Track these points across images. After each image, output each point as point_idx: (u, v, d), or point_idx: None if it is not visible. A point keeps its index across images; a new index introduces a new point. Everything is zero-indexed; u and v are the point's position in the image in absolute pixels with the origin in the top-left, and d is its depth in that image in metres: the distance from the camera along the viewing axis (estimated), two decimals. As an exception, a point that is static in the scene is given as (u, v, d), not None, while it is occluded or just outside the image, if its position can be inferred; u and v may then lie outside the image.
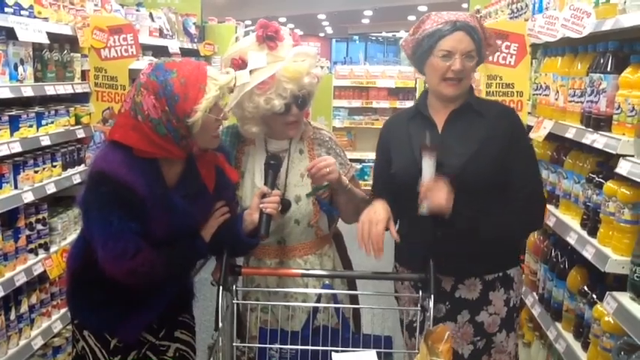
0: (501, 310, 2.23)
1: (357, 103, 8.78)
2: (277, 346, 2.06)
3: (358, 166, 8.08)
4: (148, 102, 1.90)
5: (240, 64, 2.17)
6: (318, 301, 2.21)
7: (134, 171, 1.93)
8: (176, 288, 2.16)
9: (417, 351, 1.90)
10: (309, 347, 2.03)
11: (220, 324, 1.95)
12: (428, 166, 2.03)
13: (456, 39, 2.09)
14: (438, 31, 2.10)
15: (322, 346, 2.01)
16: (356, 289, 2.38)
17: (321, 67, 2.31)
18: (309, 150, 2.32)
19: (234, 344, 2.08)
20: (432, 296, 1.99)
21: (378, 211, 2.05)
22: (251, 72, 2.15)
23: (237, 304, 2.15)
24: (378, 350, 1.93)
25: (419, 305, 2.06)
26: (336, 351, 1.93)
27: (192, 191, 2.05)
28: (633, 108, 2.08)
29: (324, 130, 2.41)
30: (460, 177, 2.07)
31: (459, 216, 2.05)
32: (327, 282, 2.27)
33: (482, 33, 2.15)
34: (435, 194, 2.00)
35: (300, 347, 2.04)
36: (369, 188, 2.39)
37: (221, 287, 2.01)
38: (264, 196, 2.08)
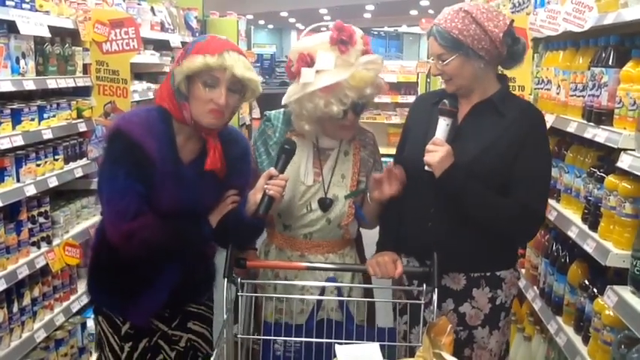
0: (485, 306, 2.23)
1: (357, 98, 8.77)
2: (282, 338, 2.07)
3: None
4: (178, 55, 2.06)
5: (307, 61, 2.16)
6: (322, 294, 2.22)
7: (150, 133, 1.99)
8: (181, 271, 2.14)
9: (420, 344, 1.91)
10: (314, 340, 2.04)
11: (225, 316, 1.96)
12: (440, 127, 2.11)
13: (430, 45, 2.18)
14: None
15: (326, 338, 2.03)
16: (371, 283, 2.40)
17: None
18: (355, 153, 2.34)
19: (239, 336, 2.09)
20: (436, 290, 2.01)
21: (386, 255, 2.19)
22: (317, 72, 2.13)
23: (246, 296, 2.17)
24: (381, 343, 1.94)
25: (422, 299, 2.07)
26: (340, 343, 1.94)
27: (204, 171, 2.07)
28: (635, 102, 2.08)
29: (369, 132, 2.43)
30: (468, 172, 2.09)
31: (458, 192, 2.11)
32: (331, 275, 2.28)
33: (474, 28, 2.07)
34: (432, 153, 2.07)
35: (304, 339, 2.05)
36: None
37: (225, 279, 2.04)
38: (271, 178, 2.08)
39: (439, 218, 2.18)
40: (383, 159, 2.46)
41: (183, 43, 5.47)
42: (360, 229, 2.46)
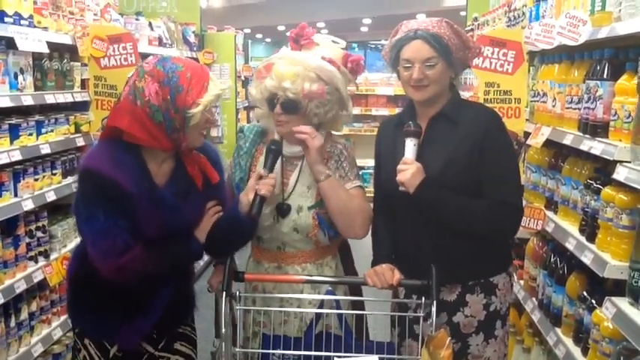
0: (479, 313, 2.24)
1: (355, 111, 8.78)
2: (280, 351, 2.06)
3: (357, 173, 8.09)
4: (151, 88, 1.95)
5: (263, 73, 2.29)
6: (321, 307, 2.21)
7: (119, 166, 1.97)
8: (172, 292, 2.15)
9: (419, 357, 1.91)
10: (312, 353, 2.03)
11: (223, 330, 1.95)
12: (408, 148, 2.15)
13: (414, 48, 2.13)
14: (399, 40, 2.17)
15: (325, 351, 2.02)
16: (361, 296, 2.39)
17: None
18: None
19: (236, 350, 2.09)
20: (435, 302, 2.01)
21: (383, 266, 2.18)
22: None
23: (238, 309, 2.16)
24: (380, 356, 1.94)
25: (421, 312, 2.07)
26: (339, 357, 1.93)
27: (182, 189, 2.08)
28: (629, 114, 2.10)
29: (341, 141, 2.38)
30: (438, 185, 2.12)
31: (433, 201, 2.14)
32: (330, 288, 2.27)
33: (455, 38, 2.14)
34: (403, 172, 2.11)
35: (302, 353, 2.04)
36: (371, 195, 2.40)
37: (224, 293, 2.02)
38: (261, 178, 2.12)
39: (428, 236, 2.20)
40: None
41: (181, 58, 5.49)
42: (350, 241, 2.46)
